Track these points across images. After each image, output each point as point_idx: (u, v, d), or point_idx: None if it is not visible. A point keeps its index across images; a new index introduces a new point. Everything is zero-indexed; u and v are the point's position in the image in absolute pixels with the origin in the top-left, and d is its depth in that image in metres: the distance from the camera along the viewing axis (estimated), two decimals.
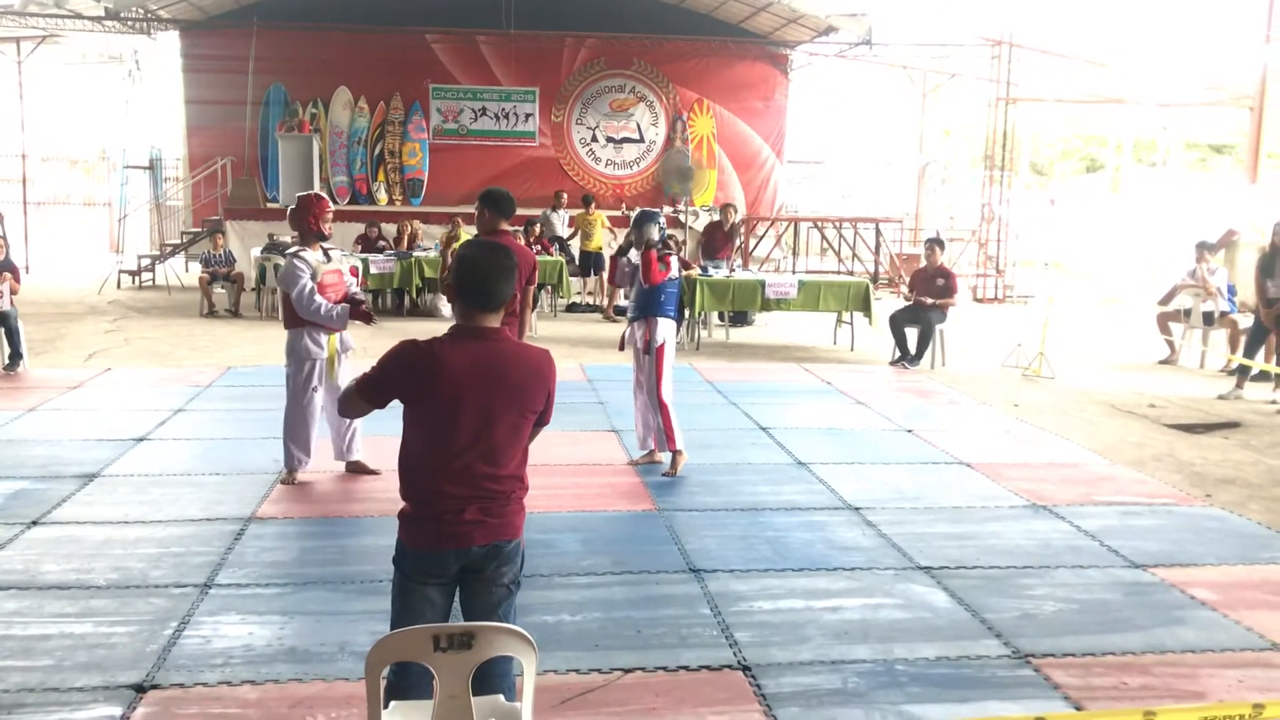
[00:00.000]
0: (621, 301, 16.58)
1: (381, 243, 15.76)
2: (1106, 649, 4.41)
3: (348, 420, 6.76)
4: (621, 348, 7.31)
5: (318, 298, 6.37)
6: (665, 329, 6.99)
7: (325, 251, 6.60)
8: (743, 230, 19.13)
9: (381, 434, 7.67)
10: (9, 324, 10.14)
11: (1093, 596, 5.01)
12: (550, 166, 20.69)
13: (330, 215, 6.61)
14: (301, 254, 6.45)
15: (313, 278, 6.40)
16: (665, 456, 7.10)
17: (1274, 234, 10.37)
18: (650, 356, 6.96)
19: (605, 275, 15.35)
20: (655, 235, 6.98)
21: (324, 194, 6.69)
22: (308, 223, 6.49)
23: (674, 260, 7.04)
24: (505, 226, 6.14)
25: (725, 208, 15.32)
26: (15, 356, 10.22)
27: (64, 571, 5.07)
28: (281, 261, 6.74)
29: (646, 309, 6.99)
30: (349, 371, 6.75)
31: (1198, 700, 3.99)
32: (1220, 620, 4.74)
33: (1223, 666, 4.28)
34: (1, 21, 18.92)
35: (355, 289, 6.88)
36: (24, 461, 6.98)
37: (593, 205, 16.95)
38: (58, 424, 8.09)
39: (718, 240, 14.37)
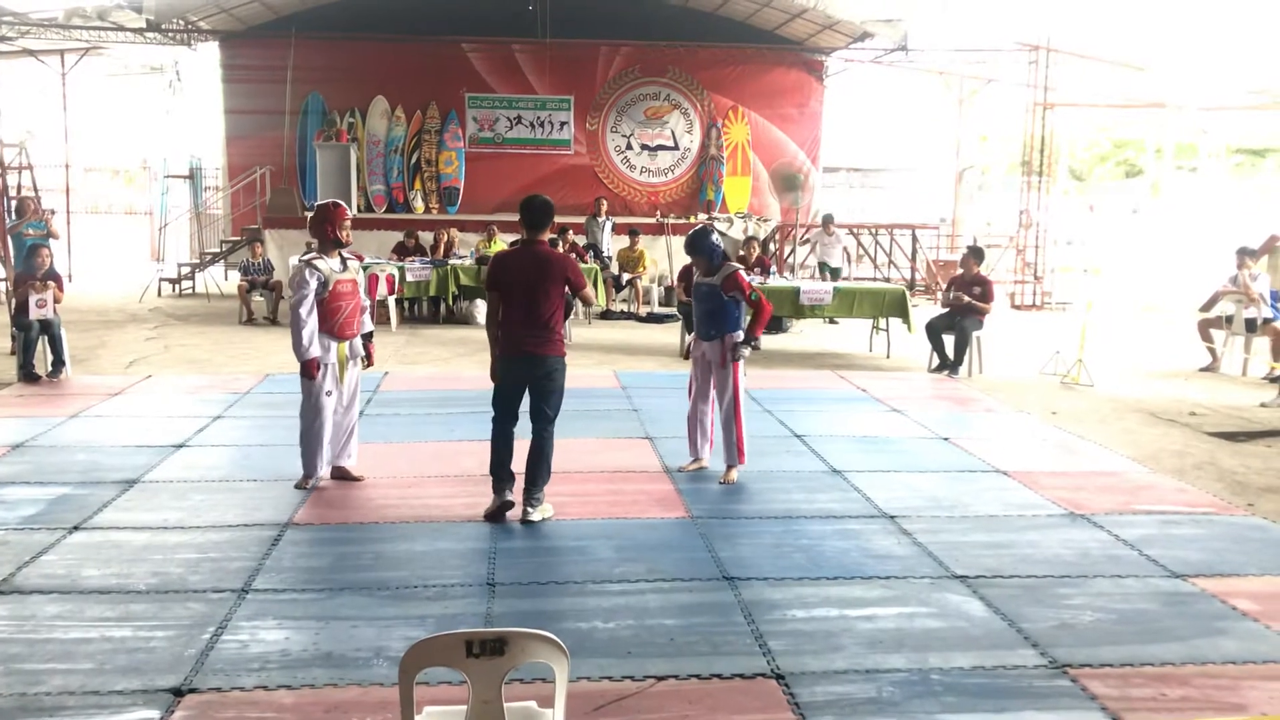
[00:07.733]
0: (658, 309, 16.62)
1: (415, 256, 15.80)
2: (1145, 659, 4.35)
3: (347, 426, 6.83)
4: (685, 356, 7.43)
5: (309, 320, 6.37)
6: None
7: (343, 260, 6.63)
8: (777, 239, 19.11)
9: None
10: (52, 332, 10.30)
11: (1131, 606, 4.95)
12: (585, 174, 20.75)
13: (349, 223, 6.62)
14: (314, 262, 6.48)
15: (325, 286, 6.44)
16: (709, 462, 7.19)
17: None
18: (728, 370, 7.01)
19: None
20: (730, 257, 7.13)
21: (342, 202, 6.75)
22: (325, 230, 6.53)
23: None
24: (541, 236, 6.09)
25: (749, 241, 14.66)
26: (58, 364, 10.38)
27: (104, 576, 5.13)
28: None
29: (724, 326, 7.06)
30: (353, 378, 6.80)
31: (1239, 713, 3.93)
32: (1262, 631, 4.67)
33: (1265, 679, 4.21)
34: (45, 34, 19.26)
35: (368, 322, 6.85)
36: (66, 467, 7.08)
37: (639, 238, 17.00)
38: (99, 430, 8.20)
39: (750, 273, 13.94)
